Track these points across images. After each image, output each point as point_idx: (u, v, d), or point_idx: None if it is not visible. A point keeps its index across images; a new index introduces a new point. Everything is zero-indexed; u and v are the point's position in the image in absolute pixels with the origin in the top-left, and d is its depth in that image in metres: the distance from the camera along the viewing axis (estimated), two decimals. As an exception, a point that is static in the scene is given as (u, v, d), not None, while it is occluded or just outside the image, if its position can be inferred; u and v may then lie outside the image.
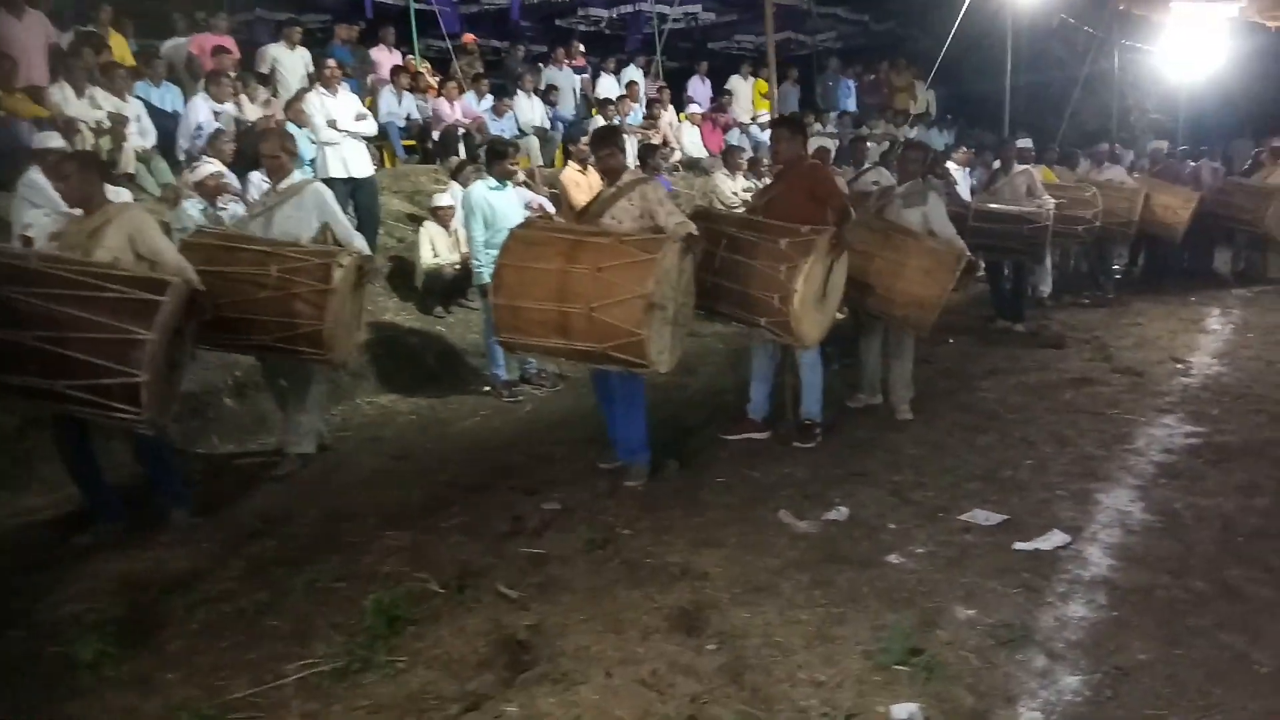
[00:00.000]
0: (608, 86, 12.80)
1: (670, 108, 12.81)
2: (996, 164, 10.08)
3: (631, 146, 11.30)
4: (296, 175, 5.08)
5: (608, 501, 4.51)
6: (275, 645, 3.21)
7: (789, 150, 5.43)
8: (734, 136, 12.97)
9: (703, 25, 19.72)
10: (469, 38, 12.01)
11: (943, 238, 5.84)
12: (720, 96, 13.95)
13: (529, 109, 11.41)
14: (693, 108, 12.58)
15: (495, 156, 6.58)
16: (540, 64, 12.80)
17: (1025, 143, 10.31)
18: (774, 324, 4.99)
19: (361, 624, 3.26)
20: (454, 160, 8.47)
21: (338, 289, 4.54)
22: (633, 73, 13.25)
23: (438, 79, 10.83)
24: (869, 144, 9.99)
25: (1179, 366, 7.14)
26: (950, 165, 10.70)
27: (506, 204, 6.33)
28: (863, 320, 6.19)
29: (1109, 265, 10.93)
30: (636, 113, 12.07)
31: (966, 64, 18.90)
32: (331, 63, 7.65)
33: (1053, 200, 8.80)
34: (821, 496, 4.52)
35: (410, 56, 11.53)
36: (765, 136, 13.30)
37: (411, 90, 10.59)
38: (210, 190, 6.27)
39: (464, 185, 7.99)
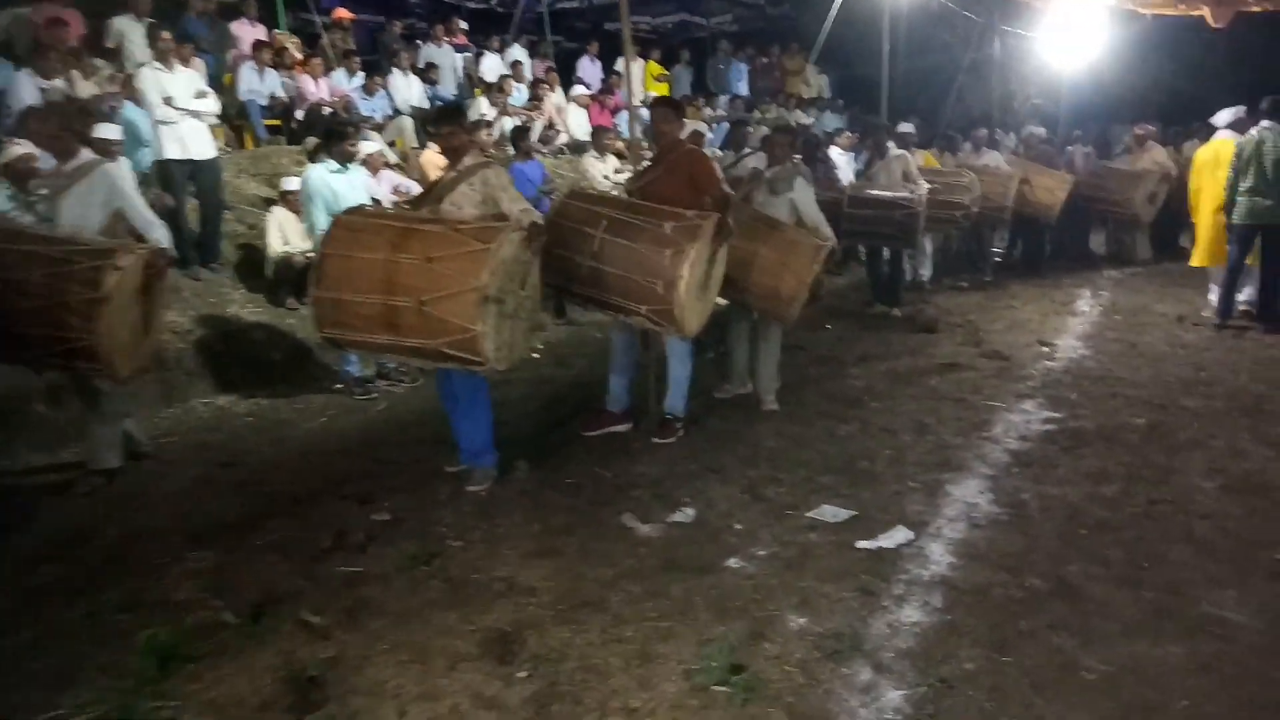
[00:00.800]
0: (492, 66, 12.37)
1: (558, 89, 12.46)
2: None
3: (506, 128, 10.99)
4: (85, 155, 4.60)
5: (444, 510, 4.21)
6: (29, 693, 2.83)
7: (668, 132, 5.22)
8: (624, 120, 12.69)
9: (597, 5, 19.41)
10: (341, 12, 11.40)
11: (809, 226, 5.71)
12: (610, 78, 13.65)
13: (405, 88, 10.91)
14: (578, 89, 12.25)
15: (334, 138, 6.15)
16: (419, 41, 12.28)
17: (907, 127, 10.34)
18: (655, 312, 4.72)
19: (132, 664, 2.91)
20: (310, 141, 7.97)
21: (111, 297, 4.01)
22: (518, 53, 12.85)
23: (307, 55, 10.23)
24: (748, 129, 9.79)
25: (1045, 350, 7.21)
26: (833, 150, 10.66)
27: (349, 188, 5.93)
28: (731, 308, 6.03)
29: (987, 249, 11.08)
30: (521, 93, 11.68)
31: (857, 48, 19.09)
32: (166, 35, 7.07)
33: (927, 185, 8.81)
34: (672, 496, 4.33)
35: (277, 31, 10.89)
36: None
37: (276, 67, 10.00)
38: (19, 174, 5.67)
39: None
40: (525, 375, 6.77)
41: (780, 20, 20.89)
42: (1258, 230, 7.62)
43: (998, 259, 12.17)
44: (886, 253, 9.09)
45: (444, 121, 4.71)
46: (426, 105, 11.04)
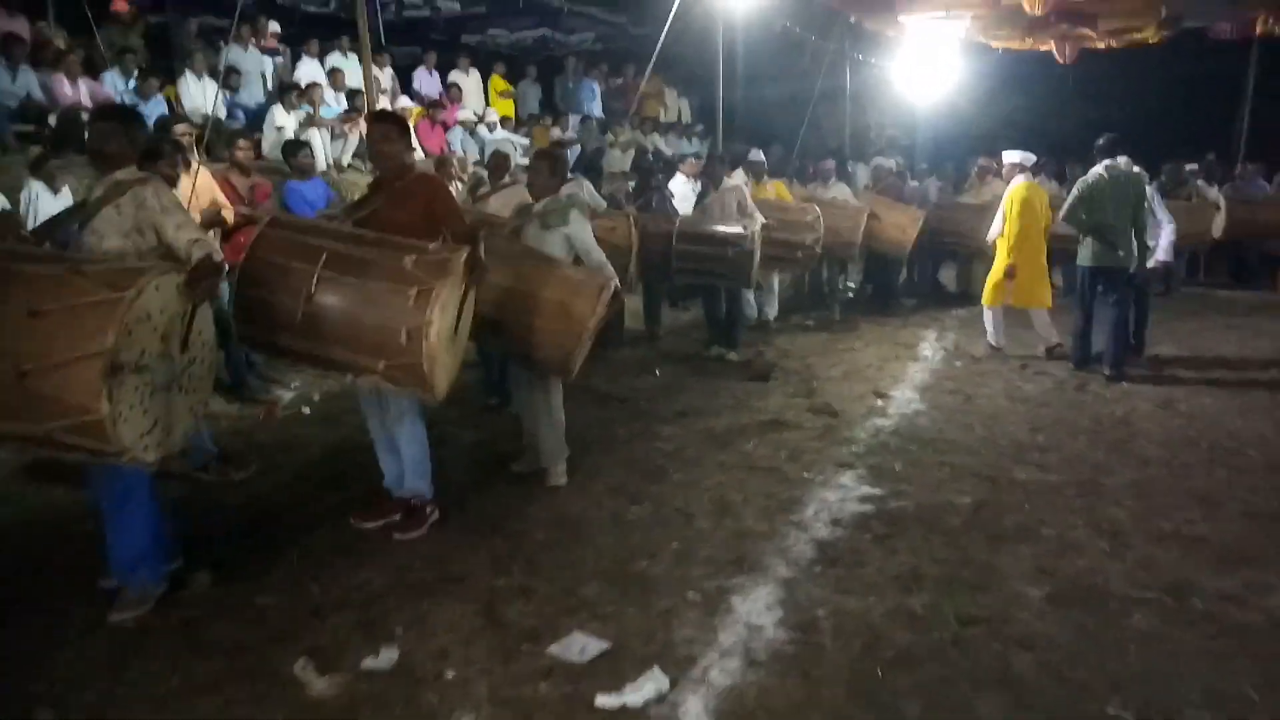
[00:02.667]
0: (310, 71, 11.20)
1: (385, 99, 11.37)
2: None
3: (323, 141, 9.87)
4: None
5: (63, 654, 3.14)
6: None
7: (393, 154, 4.25)
8: (456, 138, 11.72)
9: (448, 16, 18.37)
10: (120, 5, 10.04)
11: (590, 264, 4.88)
12: (449, 90, 12.65)
13: (198, 93, 9.65)
14: (404, 101, 11.19)
15: (150, 157, 4.71)
16: (222, 42, 10.99)
17: (757, 155, 9.77)
18: (396, 369, 3.73)
19: None
20: (33, 151, 6.69)
21: None
22: (338, 59, 11.70)
23: (62, 53, 8.85)
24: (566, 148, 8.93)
25: (878, 404, 6.59)
26: (678, 178, 9.96)
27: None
28: (510, 367, 5.12)
29: (835, 285, 10.58)
30: (336, 103, 10.56)
31: (724, 73, 18.71)
32: None
33: (763, 219, 8.16)
34: (382, 624, 3.37)
35: (42, 24, 9.48)
36: (493, 137, 12.20)
37: (35, 65, 8.61)
38: None
39: (48, 183, 6.32)
40: (280, 438, 5.72)
41: (644, 41, 20.31)
42: (1102, 273, 7.29)
43: (849, 295, 11.76)
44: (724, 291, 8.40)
45: (100, 120, 3.67)
46: (223, 113, 9.81)
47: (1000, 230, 8.07)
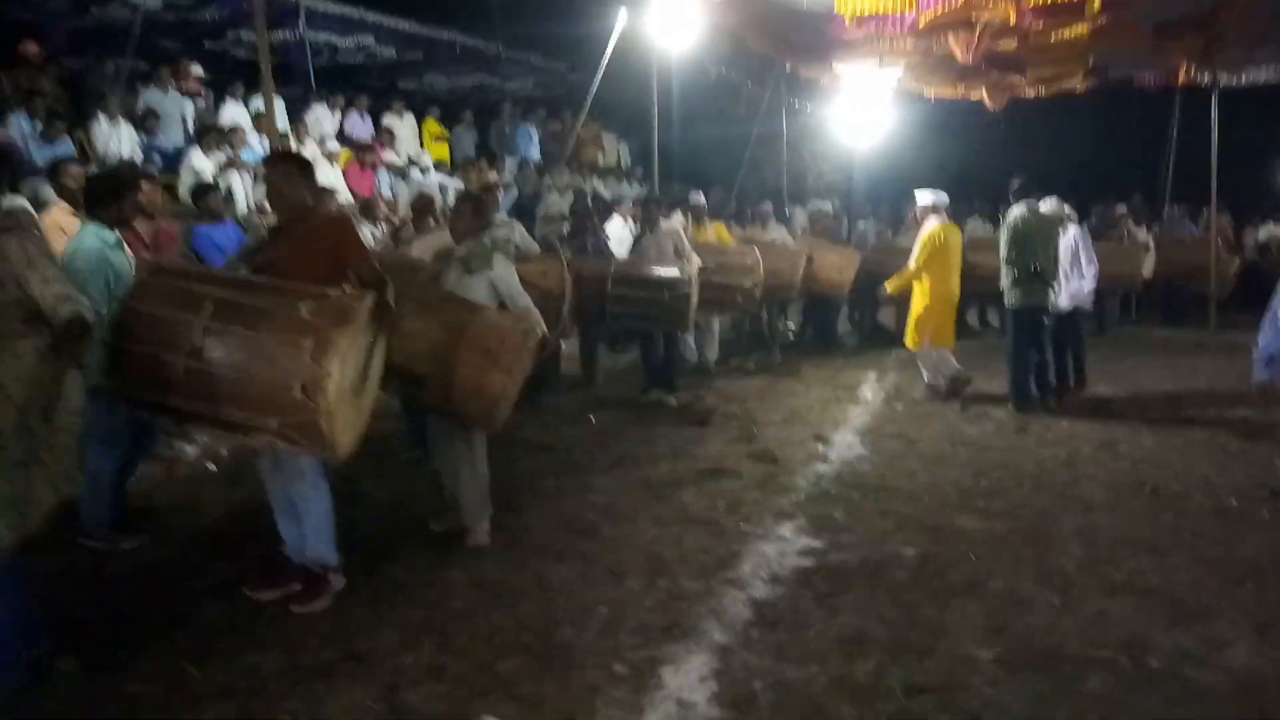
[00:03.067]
0: (234, 115, 10.85)
1: (311, 143, 11.05)
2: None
3: (244, 184, 9.51)
4: None
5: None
6: None
7: (293, 195, 3.95)
8: (385, 182, 11.43)
9: (386, 63, 18.14)
10: (29, 47, 9.59)
11: (515, 309, 4.61)
12: (380, 135, 12.37)
13: (111, 135, 9.24)
14: (331, 145, 10.87)
15: (108, 194, 4.47)
16: (140, 84, 10.61)
17: (698, 198, 9.66)
18: (291, 426, 3.37)
19: None
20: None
21: None
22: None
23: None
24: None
25: (820, 448, 6.39)
26: (615, 219, 9.79)
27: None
28: (432, 417, 4.79)
29: (776, 327, 10.44)
30: (261, 146, 10.20)
31: (661, 117, 18.74)
32: None
33: (699, 261, 7.99)
34: (267, 714, 3.00)
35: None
36: (424, 181, 11.93)
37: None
38: None
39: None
40: (180, 499, 5.30)
41: (582, 87, 20.32)
42: (1029, 312, 7.31)
43: (791, 336, 11.65)
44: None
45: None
46: (139, 157, 9.41)
47: (910, 272, 8.01)
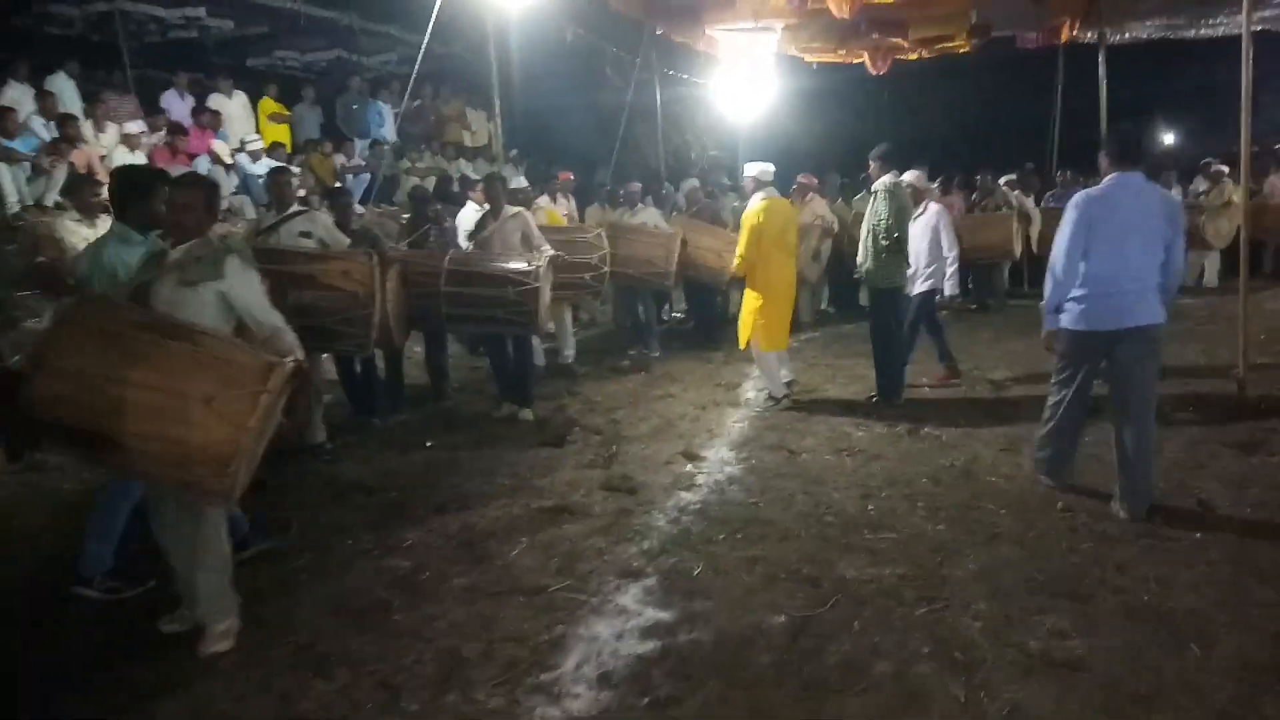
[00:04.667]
0: (16, 98, 9.24)
1: (112, 129, 9.54)
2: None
3: (11, 177, 8.02)
4: None
5: None
6: None
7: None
8: (203, 166, 9.97)
9: (226, 38, 16.42)
10: None
11: (260, 331, 3.49)
12: (200, 116, 10.85)
13: None
14: (132, 125, 9.35)
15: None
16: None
17: (520, 181, 8.60)
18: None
19: None
20: None
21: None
22: (59, 82, 9.77)
23: None
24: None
25: (688, 469, 5.45)
26: (469, 205, 8.64)
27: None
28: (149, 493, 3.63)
29: (651, 320, 9.47)
30: (34, 133, 8.67)
31: (531, 93, 17.54)
32: None
33: (551, 250, 6.95)
34: None
35: None
36: (255, 168, 10.52)
37: None
38: None
39: None
40: None
41: (449, 61, 18.95)
42: (896, 295, 6.77)
43: (677, 322, 10.74)
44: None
45: None
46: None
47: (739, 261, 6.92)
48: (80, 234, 6.08)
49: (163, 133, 9.68)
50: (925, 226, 7.11)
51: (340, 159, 12.09)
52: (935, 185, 7.42)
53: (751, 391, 7.56)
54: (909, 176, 7.10)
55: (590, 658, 3.26)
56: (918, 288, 7.14)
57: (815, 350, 9.24)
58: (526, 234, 6.93)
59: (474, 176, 13.83)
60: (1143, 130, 4.90)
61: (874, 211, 6.66)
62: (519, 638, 3.42)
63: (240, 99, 11.95)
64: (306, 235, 5.93)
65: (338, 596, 3.84)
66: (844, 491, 4.94)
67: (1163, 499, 4.47)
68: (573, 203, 11.75)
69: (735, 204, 12.47)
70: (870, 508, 4.67)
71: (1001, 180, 13.08)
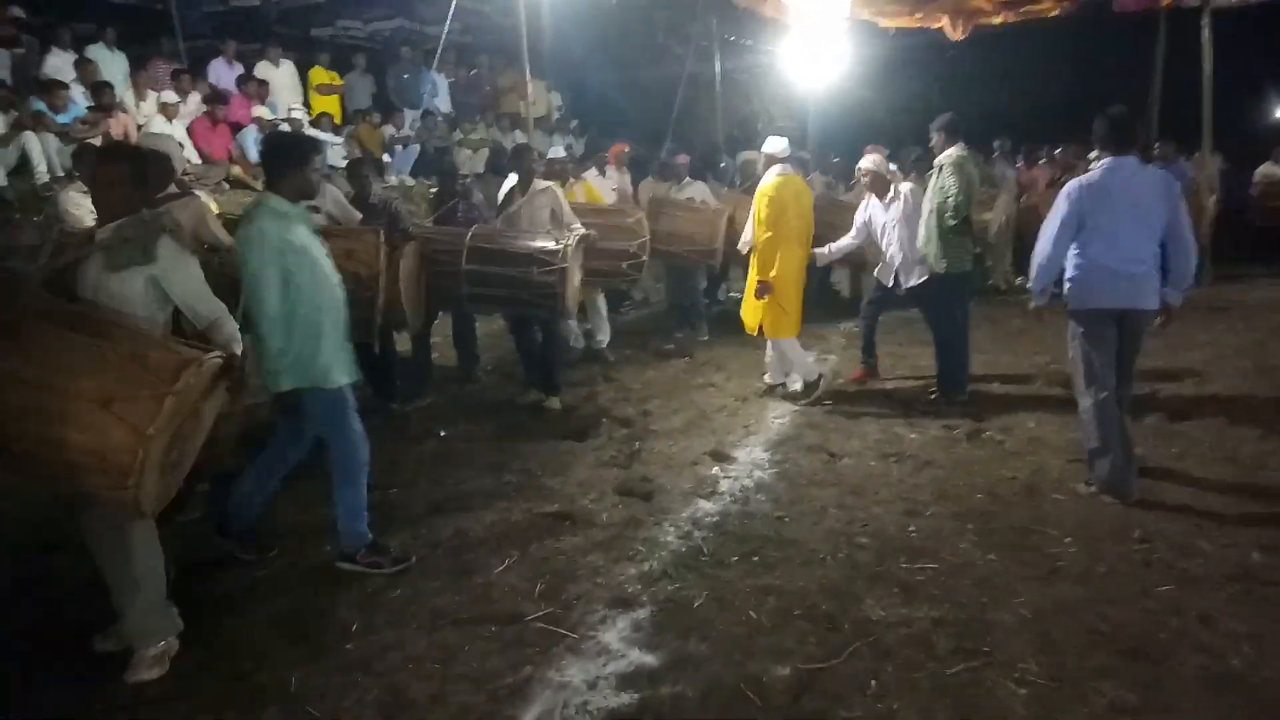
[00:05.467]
0: (57, 66, 9.14)
1: (152, 97, 9.36)
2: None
3: (44, 149, 7.88)
4: None
5: None
6: None
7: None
8: (249, 139, 9.76)
9: (290, 6, 16.29)
10: None
11: (197, 321, 3.09)
12: (247, 85, 10.64)
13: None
14: (168, 95, 9.13)
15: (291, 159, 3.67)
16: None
17: (558, 151, 8.09)
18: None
19: None
20: None
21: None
22: (98, 51, 9.64)
23: None
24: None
25: (713, 471, 4.93)
26: (511, 178, 8.20)
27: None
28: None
29: (698, 302, 8.92)
30: (75, 103, 8.53)
31: (585, 63, 16.99)
32: None
33: (583, 229, 6.45)
34: None
35: None
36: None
37: None
38: None
39: None
40: None
41: (511, 32, 18.55)
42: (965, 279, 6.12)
43: (721, 304, 10.16)
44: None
45: None
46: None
47: (750, 238, 6.44)
48: (85, 205, 5.81)
49: (197, 100, 9.43)
50: (901, 215, 6.31)
51: (390, 130, 11.77)
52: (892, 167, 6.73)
53: (799, 384, 6.96)
54: (867, 162, 6.52)
55: (554, 710, 2.80)
56: (914, 279, 6.29)
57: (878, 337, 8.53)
58: (556, 211, 6.45)
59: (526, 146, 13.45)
60: (1133, 112, 4.49)
61: (939, 188, 5.99)
62: (478, 679, 2.97)
63: (288, 68, 11.70)
64: (313, 210, 5.55)
65: (294, 615, 3.46)
66: (885, 506, 4.36)
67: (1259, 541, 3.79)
68: (627, 176, 11.25)
69: (823, 177, 11.82)
70: (912, 528, 4.08)
71: (1091, 156, 12.10)
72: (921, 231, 6.17)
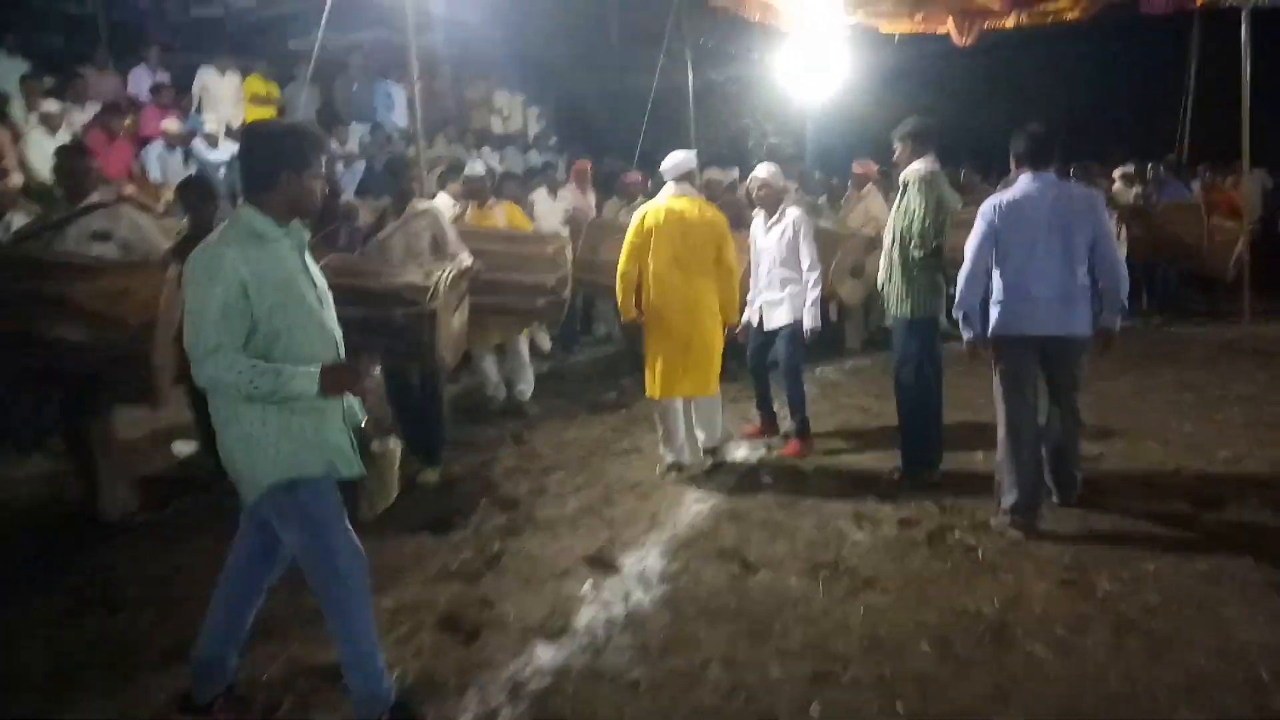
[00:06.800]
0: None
1: (39, 108, 8.32)
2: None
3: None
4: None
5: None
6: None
7: None
8: (153, 155, 8.69)
9: (258, 18, 15.38)
10: None
11: None
12: (161, 94, 9.59)
13: None
14: (50, 105, 8.05)
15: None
16: None
17: (476, 168, 6.96)
18: None
19: None
20: None
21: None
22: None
23: None
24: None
25: (580, 591, 3.70)
26: (440, 197, 7.12)
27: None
28: None
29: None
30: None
31: (571, 75, 15.89)
32: None
33: (468, 260, 5.26)
34: None
35: None
36: (212, 155, 9.22)
37: None
38: None
39: None
40: None
41: (495, 44, 17.49)
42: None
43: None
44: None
45: None
46: None
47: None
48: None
49: (85, 111, 8.38)
50: (782, 237, 5.42)
51: (332, 145, 10.69)
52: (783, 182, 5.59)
53: (744, 450, 5.72)
54: (761, 171, 5.54)
55: None
56: (775, 319, 5.48)
57: (855, 386, 7.27)
58: (439, 237, 5.27)
59: (497, 167, 12.36)
60: (1055, 127, 4.22)
61: (903, 210, 4.74)
62: None
63: (234, 80, 10.67)
64: (102, 237, 4.41)
65: None
66: (789, 663, 3.09)
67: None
68: (591, 197, 10.10)
69: (807, 198, 10.62)
70: (815, 710, 2.81)
71: (1116, 173, 10.78)
72: (882, 265, 4.91)
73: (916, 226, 4.59)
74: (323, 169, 2.70)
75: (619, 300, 5.16)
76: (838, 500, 4.65)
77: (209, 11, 14.92)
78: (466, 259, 5.26)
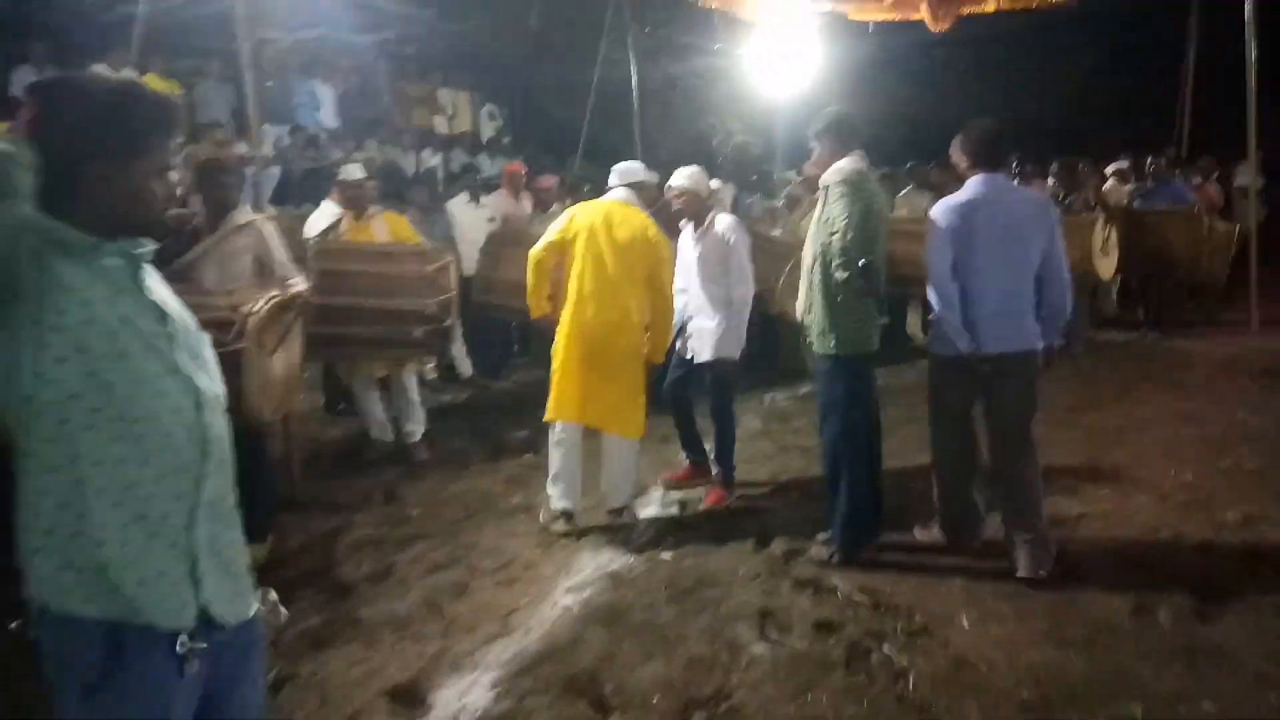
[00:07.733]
0: None
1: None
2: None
3: None
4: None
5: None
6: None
7: None
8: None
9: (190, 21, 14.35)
10: None
11: None
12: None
13: None
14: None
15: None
16: None
17: (350, 173, 5.99)
18: None
19: None
20: None
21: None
22: None
23: None
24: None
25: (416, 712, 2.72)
26: (323, 206, 6.22)
27: None
28: None
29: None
30: None
31: (528, 70, 14.92)
32: None
33: (300, 283, 4.28)
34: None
35: None
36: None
37: None
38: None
39: None
40: None
41: (452, 40, 16.49)
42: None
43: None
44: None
45: None
46: None
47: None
48: None
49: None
50: (711, 251, 4.65)
51: (242, 147, 9.71)
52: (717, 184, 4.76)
53: (654, 507, 4.74)
54: (680, 179, 4.68)
55: None
56: (704, 351, 4.67)
57: (804, 420, 6.18)
58: (263, 258, 4.30)
59: (437, 168, 11.42)
60: (1001, 126, 3.74)
61: (823, 220, 3.76)
62: None
63: (153, 82, 9.67)
64: None
65: None
66: None
67: None
68: (526, 203, 9.13)
69: (766, 203, 9.70)
70: None
71: (1109, 170, 9.80)
72: (801, 292, 3.92)
73: (838, 242, 3.60)
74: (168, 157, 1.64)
75: (529, 288, 4.41)
76: (746, 586, 3.67)
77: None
78: (299, 284, 4.29)
